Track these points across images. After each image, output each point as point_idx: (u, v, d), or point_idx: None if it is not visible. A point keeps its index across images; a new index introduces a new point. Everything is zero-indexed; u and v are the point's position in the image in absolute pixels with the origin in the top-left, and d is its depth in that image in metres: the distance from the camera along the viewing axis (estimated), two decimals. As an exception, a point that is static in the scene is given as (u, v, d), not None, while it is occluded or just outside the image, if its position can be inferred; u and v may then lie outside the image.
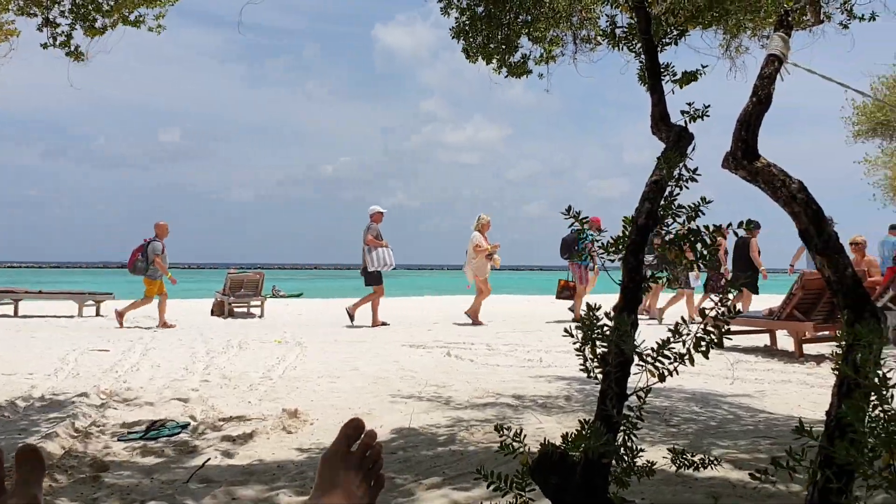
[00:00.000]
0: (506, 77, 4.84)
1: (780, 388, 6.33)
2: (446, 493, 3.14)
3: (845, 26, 5.06)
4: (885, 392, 2.07)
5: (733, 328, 9.72)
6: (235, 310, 14.41)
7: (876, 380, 2.03)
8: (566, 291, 12.72)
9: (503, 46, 4.54)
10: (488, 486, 2.45)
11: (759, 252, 12.66)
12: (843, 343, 2.24)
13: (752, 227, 12.46)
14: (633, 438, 2.35)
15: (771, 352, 9.02)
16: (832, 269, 3.35)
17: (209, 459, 3.80)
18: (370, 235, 11.91)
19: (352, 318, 12.18)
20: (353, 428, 1.36)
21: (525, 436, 2.52)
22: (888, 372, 2.32)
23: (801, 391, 6.13)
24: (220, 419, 4.77)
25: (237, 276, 14.60)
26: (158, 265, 11.78)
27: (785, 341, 9.39)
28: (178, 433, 4.44)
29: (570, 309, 12.37)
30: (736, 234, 2.81)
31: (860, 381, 2.12)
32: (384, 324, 12.04)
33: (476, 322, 12.11)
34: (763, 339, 9.60)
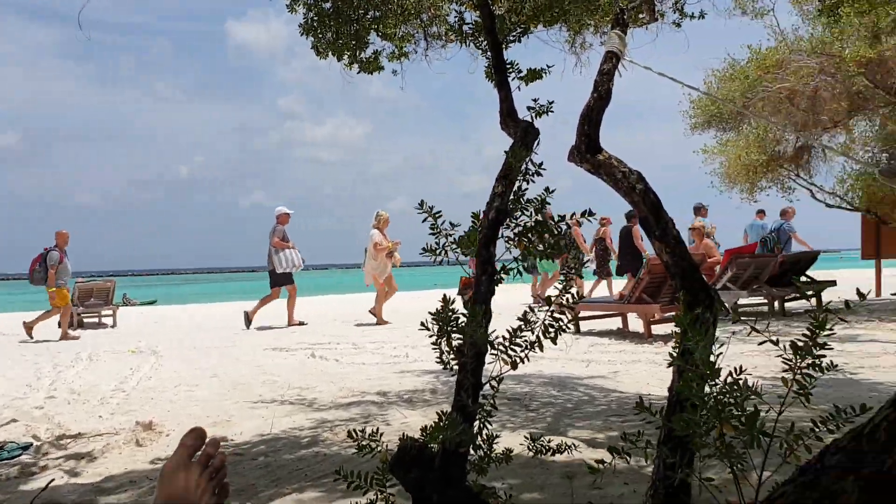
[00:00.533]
0: (358, 73, 4.83)
1: (632, 367, 6.67)
2: (307, 495, 3.10)
3: (678, 24, 5.39)
4: (712, 369, 2.23)
5: (589, 313, 10.19)
6: (85, 320, 13.59)
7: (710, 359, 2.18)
8: (469, 288, 12.89)
9: (353, 42, 4.52)
10: (348, 486, 2.44)
11: (641, 238, 13.51)
12: (681, 324, 2.38)
13: (631, 215, 13.37)
14: (489, 426, 2.41)
15: (623, 334, 9.48)
16: (670, 255, 3.56)
17: (53, 480, 3.56)
18: (276, 237, 11.79)
19: (248, 322, 11.91)
20: (194, 437, 1.31)
21: (382, 434, 2.53)
22: (720, 348, 2.49)
23: (651, 370, 6.48)
24: (66, 436, 4.49)
25: (86, 284, 13.77)
26: (50, 277, 11.19)
27: (636, 323, 9.90)
28: (19, 455, 4.14)
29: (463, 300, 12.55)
30: (580, 223, 2.94)
31: (690, 366, 2.27)
32: (301, 323, 12.00)
33: (381, 322, 11.74)
34: (617, 323, 10.09)
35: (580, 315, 9.99)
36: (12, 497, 3.39)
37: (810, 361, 2.12)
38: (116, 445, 4.19)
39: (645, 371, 6.43)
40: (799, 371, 2.11)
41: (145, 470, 3.73)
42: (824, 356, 2.13)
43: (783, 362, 2.09)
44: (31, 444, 4.34)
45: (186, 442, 1.28)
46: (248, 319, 11.88)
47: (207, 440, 1.31)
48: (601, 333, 9.58)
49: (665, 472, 2.69)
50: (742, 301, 11.35)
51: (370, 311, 12.19)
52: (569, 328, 2.49)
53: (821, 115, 9.81)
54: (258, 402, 5.38)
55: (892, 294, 12.93)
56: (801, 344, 2.08)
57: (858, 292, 2.67)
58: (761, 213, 15.48)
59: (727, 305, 10.70)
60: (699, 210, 14.76)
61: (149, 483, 3.47)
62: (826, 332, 2.11)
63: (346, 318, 12.98)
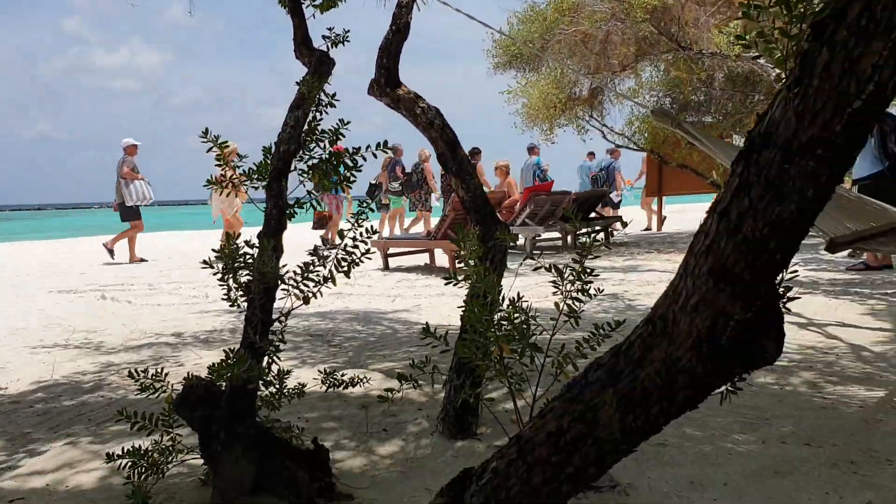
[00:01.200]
0: (141, -8, 4.47)
1: (436, 301, 6.87)
2: (84, 439, 2.94)
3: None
4: (494, 295, 2.32)
5: (397, 249, 10.33)
6: None
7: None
8: (322, 221, 12.64)
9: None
10: (132, 427, 2.34)
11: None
12: (473, 255, 2.45)
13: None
14: (278, 361, 2.38)
15: (430, 269, 9.71)
16: (465, 190, 3.65)
17: None
18: (126, 168, 11.25)
19: (111, 253, 11.40)
20: None
21: (167, 374, 2.43)
22: (511, 278, 2.60)
23: (454, 303, 6.69)
24: None
25: None
26: None
27: (443, 259, 10.16)
28: None
29: (322, 238, 12.24)
30: (374, 155, 2.92)
31: (478, 289, 2.35)
32: (142, 259, 11.60)
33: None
34: (425, 259, 10.31)
35: (389, 252, 10.11)
36: None
37: (579, 287, 2.28)
38: None
39: (448, 304, 6.64)
40: (568, 295, 2.26)
41: None
42: (591, 282, 2.29)
43: (554, 286, 2.23)
44: None
45: None
46: (110, 250, 11.44)
47: None
48: (410, 269, 9.75)
49: (453, 395, 2.82)
50: (542, 236, 11.97)
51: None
52: (362, 261, 2.50)
53: (611, 59, 10.40)
54: (38, 348, 4.99)
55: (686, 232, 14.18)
56: (565, 268, 2.22)
57: (622, 221, 2.88)
58: (591, 154, 16.54)
59: (525, 239, 11.28)
60: (532, 150, 15.39)
61: None
62: (591, 259, 2.25)
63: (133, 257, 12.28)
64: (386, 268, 9.76)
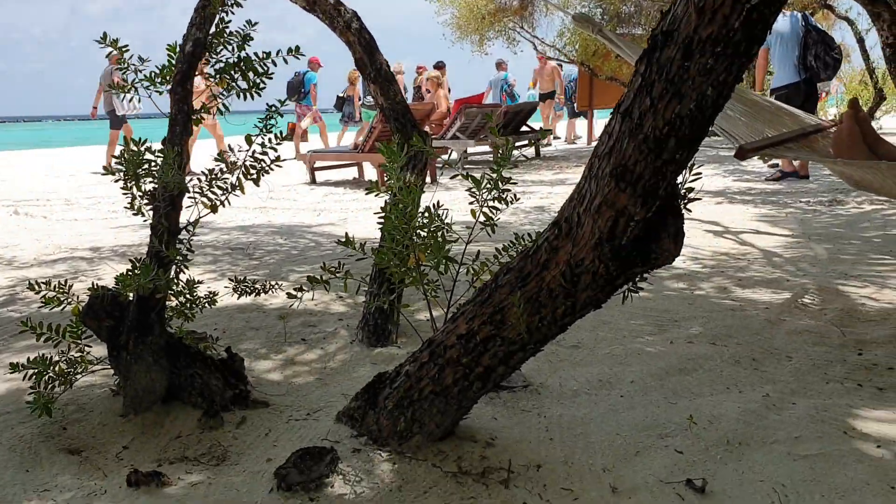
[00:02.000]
0: None
1: (362, 215, 6.81)
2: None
3: None
4: (412, 205, 2.30)
5: (325, 163, 10.16)
6: None
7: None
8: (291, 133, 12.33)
9: None
10: (38, 339, 2.27)
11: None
12: (392, 165, 2.40)
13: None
14: (185, 271, 2.33)
15: (359, 183, 9.60)
16: (384, 97, 3.57)
17: None
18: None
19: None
20: None
21: (72, 285, 2.36)
22: (434, 187, 2.57)
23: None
24: None
25: None
26: None
27: (372, 172, 10.04)
28: None
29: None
30: (286, 60, 2.81)
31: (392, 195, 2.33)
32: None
33: None
34: (353, 172, 10.17)
35: (316, 166, 9.93)
36: None
37: (496, 195, 2.27)
38: None
39: (374, 217, 6.59)
40: (484, 204, 2.25)
41: None
42: (508, 190, 2.29)
43: (470, 195, 2.22)
44: None
45: None
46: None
47: None
48: (337, 183, 9.62)
49: (372, 303, 2.83)
50: (471, 150, 11.92)
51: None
52: (271, 169, 2.43)
53: (542, -32, 10.21)
54: (-57, 265, 4.78)
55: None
56: (481, 178, 2.21)
57: (542, 131, 2.86)
58: (501, 65, 16.17)
59: (457, 153, 11.23)
60: (500, 65, 15.25)
61: None
62: (520, 172, 2.25)
63: (50, 174, 11.80)
64: (313, 182, 9.60)
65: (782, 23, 7.67)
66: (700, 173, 1.76)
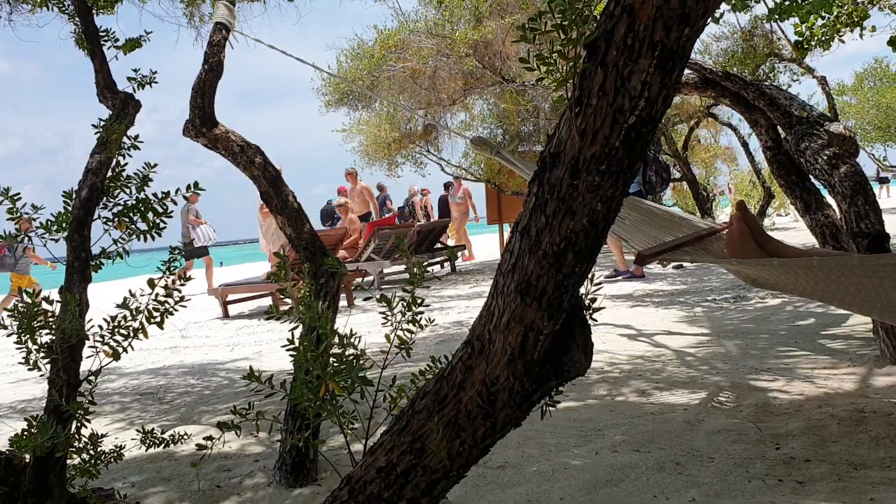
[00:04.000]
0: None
1: (277, 346, 6.66)
2: None
3: None
4: (326, 332, 2.27)
5: (238, 296, 9.98)
6: None
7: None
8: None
9: None
10: (-82, 519, 2.08)
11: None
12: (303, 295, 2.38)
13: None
14: (86, 425, 2.20)
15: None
16: (292, 228, 3.58)
17: None
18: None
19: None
20: None
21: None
22: (349, 314, 2.54)
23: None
24: None
25: None
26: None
27: (287, 302, 9.89)
28: None
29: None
30: (185, 198, 2.81)
31: (302, 325, 2.29)
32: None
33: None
34: (268, 302, 10.01)
35: (228, 299, 9.74)
36: None
37: (410, 318, 2.26)
38: None
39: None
40: (398, 327, 2.24)
41: None
42: (422, 312, 2.28)
43: (383, 317, 2.20)
44: None
45: None
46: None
47: None
48: (251, 315, 9.44)
49: (288, 441, 2.72)
50: (388, 270, 11.97)
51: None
52: (175, 310, 2.36)
53: (441, 94, 10.66)
54: None
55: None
56: (397, 301, 2.21)
57: (453, 253, 2.91)
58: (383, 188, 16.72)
59: (373, 275, 11.25)
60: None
61: None
62: (436, 288, 2.25)
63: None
64: (226, 316, 9.39)
65: None
66: (601, 283, 1.80)
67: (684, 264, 9.54)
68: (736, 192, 19.87)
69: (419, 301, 2.27)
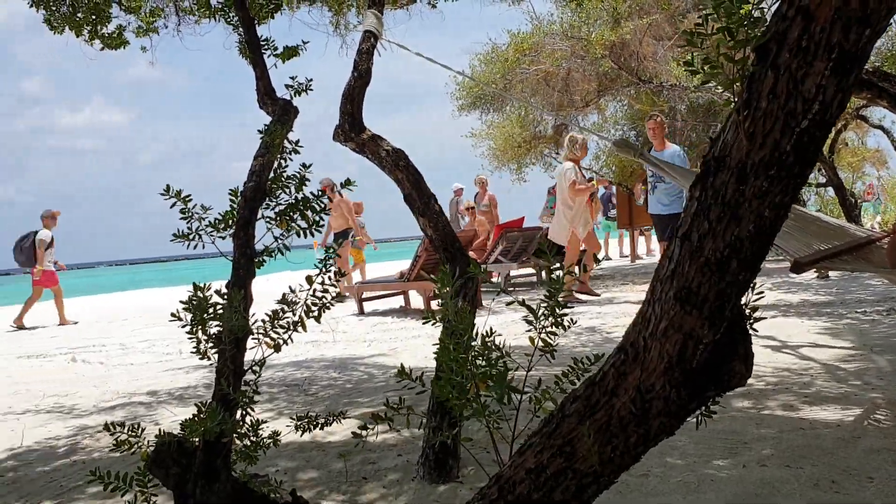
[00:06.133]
0: (101, 49, 4.46)
1: (412, 343, 6.83)
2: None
3: (433, 5, 5.54)
4: (468, 332, 2.32)
5: (372, 294, 10.29)
6: None
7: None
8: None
9: (93, 16, 4.17)
10: (105, 488, 2.27)
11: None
12: (442, 294, 2.44)
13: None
14: (252, 413, 2.34)
15: (406, 311, 9.67)
16: (433, 228, 3.67)
17: None
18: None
19: None
20: None
21: (144, 430, 2.38)
22: (485, 315, 2.59)
23: (430, 344, 6.67)
24: None
25: None
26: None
27: (418, 300, 10.13)
28: None
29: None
30: (341, 194, 2.94)
31: (447, 324, 2.34)
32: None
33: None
34: (399, 301, 10.26)
35: (363, 297, 10.06)
36: None
37: (552, 320, 2.28)
38: None
39: (425, 346, 6.60)
40: (542, 330, 2.25)
41: None
42: (565, 314, 2.29)
43: (526, 322, 2.23)
44: None
45: None
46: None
47: None
48: (385, 313, 9.70)
49: (432, 437, 2.79)
50: (514, 273, 11.99)
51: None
52: (332, 305, 2.48)
53: (574, 96, 10.58)
54: (7, 414, 4.86)
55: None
56: (539, 305, 2.23)
57: (595, 258, 2.90)
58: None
59: (499, 277, 11.29)
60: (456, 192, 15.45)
61: None
62: (563, 294, 2.26)
63: (114, 318, 12.11)
64: (361, 312, 9.70)
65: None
66: (763, 292, 1.75)
67: (829, 274, 9.01)
68: (887, 196, 18.58)
69: (562, 305, 2.28)
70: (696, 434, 3.06)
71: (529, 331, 2.25)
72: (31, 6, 4.12)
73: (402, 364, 2.36)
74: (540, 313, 2.26)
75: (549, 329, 2.26)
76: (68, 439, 4.02)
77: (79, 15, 4.13)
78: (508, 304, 2.29)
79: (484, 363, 2.27)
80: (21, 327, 11.37)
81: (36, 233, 11.55)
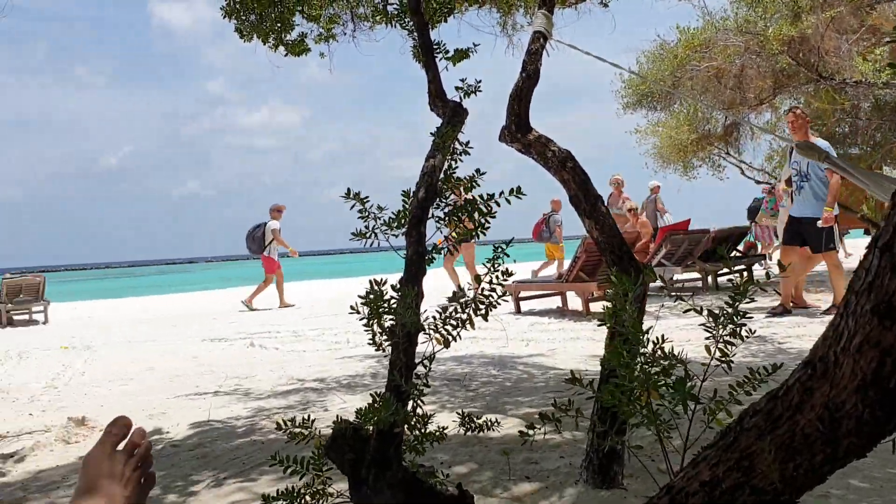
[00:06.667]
0: (285, 56, 4.75)
1: (570, 345, 6.78)
2: (241, 483, 3.08)
3: (605, 4, 5.46)
4: (641, 337, 2.28)
5: (529, 293, 10.30)
6: (15, 318, 13.14)
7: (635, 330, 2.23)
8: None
9: (278, 25, 4.45)
10: (285, 471, 2.43)
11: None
12: (610, 296, 2.42)
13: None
14: (422, 405, 2.42)
15: (563, 312, 9.61)
16: (599, 231, 3.62)
17: (-23, 482, 3.45)
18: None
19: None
20: (119, 426, 1.28)
21: (314, 420, 2.52)
22: (653, 321, 2.54)
23: (589, 346, 6.60)
24: (-8, 438, 4.34)
25: (14, 281, 13.29)
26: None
27: (576, 301, 10.04)
28: (-57, 459, 3.99)
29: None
30: (508, 201, 2.96)
31: (618, 328, 2.31)
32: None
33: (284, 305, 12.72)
34: (556, 302, 10.22)
35: (520, 295, 10.10)
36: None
37: (731, 329, 2.19)
38: (47, 443, 4.08)
39: (583, 348, 6.54)
40: (721, 339, 2.17)
41: (76, 466, 3.63)
42: (744, 324, 2.20)
43: (705, 330, 2.15)
44: (-44, 447, 4.19)
45: (111, 430, 1.26)
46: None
47: (133, 430, 1.29)
48: (542, 313, 9.69)
49: (597, 441, 2.75)
50: (677, 277, 11.60)
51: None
52: (498, 304, 2.51)
53: (747, 94, 10.07)
54: (195, 394, 5.30)
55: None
56: (719, 312, 2.15)
57: (780, 265, 2.75)
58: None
59: (663, 279, 10.94)
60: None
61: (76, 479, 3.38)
62: (745, 301, 2.17)
63: (278, 306, 12.87)
64: (518, 311, 9.74)
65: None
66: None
67: None
68: None
69: (742, 313, 2.19)
70: (881, 455, 2.84)
71: (709, 338, 2.18)
72: (224, 17, 4.47)
73: (571, 371, 2.35)
74: (720, 321, 2.19)
75: (726, 338, 2.18)
76: (247, 420, 4.32)
77: (265, 24, 4.43)
78: (685, 311, 2.23)
79: (656, 370, 2.23)
80: (250, 307, 12.63)
81: (265, 224, 12.91)
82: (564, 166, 3.67)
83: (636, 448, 2.51)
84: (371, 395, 2.42)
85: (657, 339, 2.27)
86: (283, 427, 2.50)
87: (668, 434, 2.24)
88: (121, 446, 1.27)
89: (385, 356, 2.48)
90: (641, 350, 2.28)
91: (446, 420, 3.53)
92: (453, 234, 2.84)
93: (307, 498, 2.38)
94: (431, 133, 2.97)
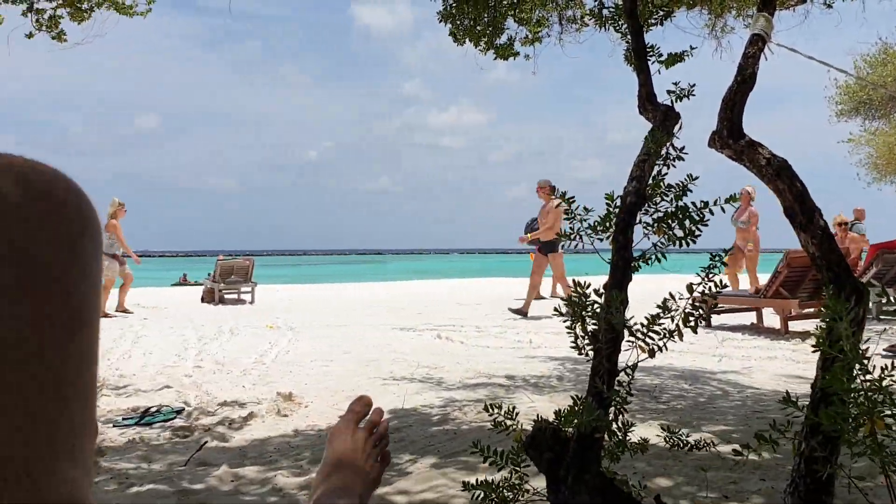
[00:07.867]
0: (494, 59, 4.85)
1: (767, 364, 6.41)
2: (443, 470, 3.19)
3: (829, 5, 5.10)
4: (864, 363, 2.13)
5: (721, 307, 9.84)
6: (226, 296, 14.40)
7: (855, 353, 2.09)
8: None
9: (490, 28, 4.55)
10: (484, 461, 2.50)
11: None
12: (826, 317, 2.28)
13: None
14: (624, 413, 2.40)
15: (757, 329, 9.11)
16: (816, 246, 3.41)
17: (206, 442, 3.83)
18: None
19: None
20: (362, 404, 1.37)
21: (518, 413, 2.57)
22: (866, 342, 2.37)
23: (787, 367, 6.22)
24: (214, 404, 4.80)
25: (227, 262, 14.57)
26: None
27: (771, 319, 9.48)
28: (173, 418, 4.47)
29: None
30: (723, 209, 2.86)
31: (838, 354, 2.17)
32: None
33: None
34: (749, 317, 9.70)
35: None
36: (170, 456, 3.67)
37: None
38: (259, 414, 4.45)
39: (781, 367, 6.17)
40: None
41: (287, 437, 3.94)
42: None
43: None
44: (183, 409, 4.68)
45: (355, 408, 1.35)
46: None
47: (373, 409, 1.38)
48: (733, 328, 9.24)
49: (808, 467, 2.60)
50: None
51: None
52: (708, 317, 2.44)
53: None
54: (389, 379, 5.56)
55: None
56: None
57: None
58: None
59: (873, 302, 10.06)
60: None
61: (292, 449, 3.67)
62: None
63: (461, 302, 13.14)
64: (708, 325, 9.34)
65: None
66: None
67: None
68: None
69: None
70: None
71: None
72: (441, 21, 4.64)
73: (786, 391, 2.25)
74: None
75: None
76: (440, 409, 4.48)
77: (478, 28, 4.55)
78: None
79: (881, 398, 2.08)
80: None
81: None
82: (780, 175, 3.48)
83: (858, 479, 2.34)
84: (572, 397, 2.43)
85: (885, 366, 2.12)
86: (490, 412, 2.56)
87: (893, 468, 2.08)
88: (362, 424, 1.37)
89: (568, 360, 2.49)
90: (867, 376, 2.14)
91: (640, 431, 3.47)
92: (661, 241, 2.78)
93: (504, 491, 2.44)
94: (646, 137, 2.92)
